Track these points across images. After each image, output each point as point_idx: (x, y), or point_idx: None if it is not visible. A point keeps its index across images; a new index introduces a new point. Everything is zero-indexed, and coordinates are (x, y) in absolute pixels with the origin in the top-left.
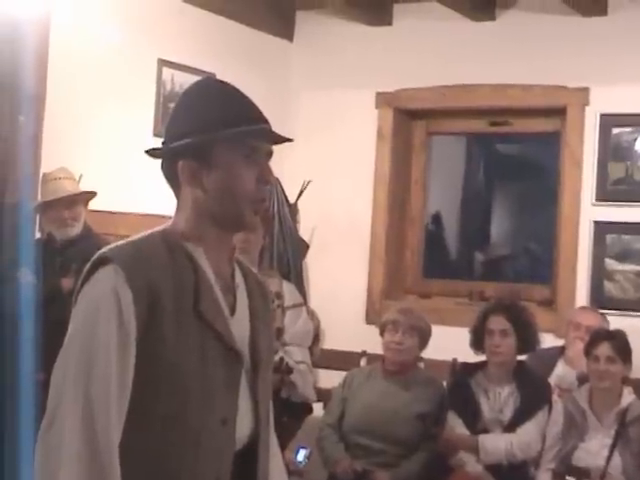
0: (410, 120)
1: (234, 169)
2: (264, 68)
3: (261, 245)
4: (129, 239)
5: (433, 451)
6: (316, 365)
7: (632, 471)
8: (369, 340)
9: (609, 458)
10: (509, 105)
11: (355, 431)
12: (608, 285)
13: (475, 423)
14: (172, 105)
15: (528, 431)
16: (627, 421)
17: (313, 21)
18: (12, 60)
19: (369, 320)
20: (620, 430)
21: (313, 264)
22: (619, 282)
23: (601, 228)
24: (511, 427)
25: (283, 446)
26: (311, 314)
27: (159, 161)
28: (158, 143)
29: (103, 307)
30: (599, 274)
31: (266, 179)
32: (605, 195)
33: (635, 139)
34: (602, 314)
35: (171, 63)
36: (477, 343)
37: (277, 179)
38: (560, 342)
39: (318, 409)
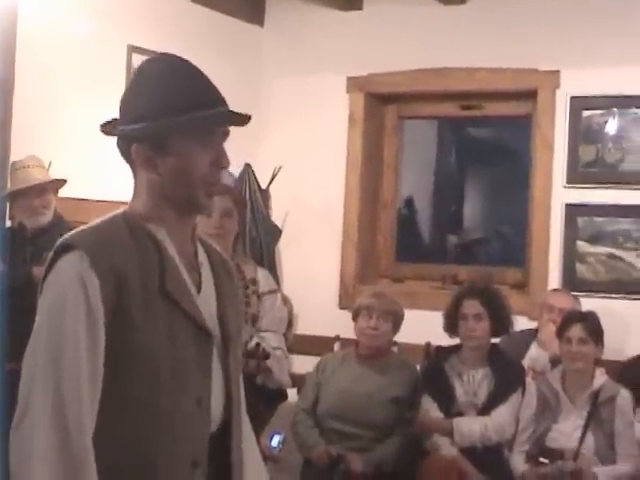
0: (381, 104)
1: (189, 154)
2: (235, 54)
3: (236, 231)
4: (90, 224)
5: (407, 435)
6: (290, 350)
7: (604, 451)
8: (342, 325)
9: (582, 439)
10: (480, 88)
11: (329, 416)
12: (580, 267)
13: (449, 406)
14: None
15: (502, 414)
16: (599, 402)
17: (284, 6)
18: None
19: (342, 305)
20: (592, 411)
21: (286, 249)
22: (591, 264)
23: (573, 211)
24: (485, 410)
25: (257, 432)
26: (284, 299)
27: None
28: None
29: (69, 294)
30: (571, 256)
31: (221, 163)
32: (576, 178)
33: (606, 122)
34: (574, 296)
35: (141, 49)
36: (451, 327)
37: (249, 165)
38: (533, 325)
39: (292, 395)
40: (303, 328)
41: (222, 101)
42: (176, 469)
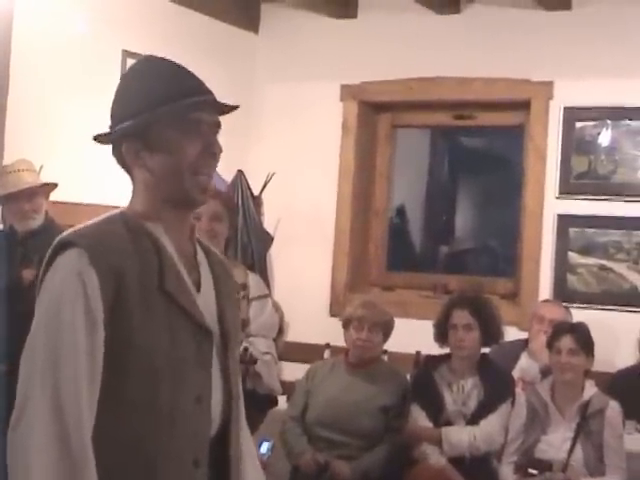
0: (375, 113)
1: (175, 146)
2: (229, 60)
3: (226, 235)
4: (89, 222)
5: (396, 444)
6: (280, 358)
7: (593, 463)
8: (333, 332)
9: (571, 450)
10: (473, 98)
11: (318, 424)
12: (571, 278)
13: (438, 416)
14: None
15: (491, 424)
16: (589, 414)
17: (278, 13)
18: None
19: (333, 312)
20: (582, 423)
21: (277, 256)
22: (582, 275)
23: (564, 221)
24: (474, 420)
25: None
26: (275, 306)
27: None
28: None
29: (68, 292)
30: (562, 267)
31: (211, 150)
32: (568, 189)
33: (598, 133)
34: (565, 307)
35: (135, 54)
36: (441, 337)
37: (241, 171)
38: (524, 335)
39: (282, 402)
40: (293, 335)
41: (206, 91)
42: (177, 468)
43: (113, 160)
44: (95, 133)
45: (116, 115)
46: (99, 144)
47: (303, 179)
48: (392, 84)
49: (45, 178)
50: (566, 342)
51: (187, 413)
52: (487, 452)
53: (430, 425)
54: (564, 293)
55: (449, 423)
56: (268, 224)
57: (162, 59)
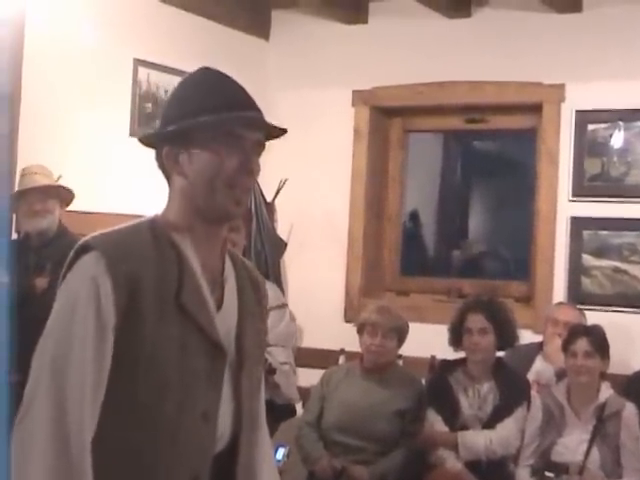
0: (387, 118)
1: (215, 156)
2: (240, 67)
3: (244, 245)
4: (115, 227)
5: (412, 448)
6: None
7: (610, 466)
8: (347, 338)
9: (587, 453)
10: (485, 102)
11: (334, 429)
12: (585, 281)
13: (454, 420)
14: (148, 105)
15: (507, 427)
16: (605, 416)
17: (289, 20)
18: None
19: (347, 318)
20: (598, 425)
21: (291, 262)
22: (596, 278)
23: (578, 224)
24: (490, 424)
25: None
26: (290, 316)
27: (136, 160)
28: (134, 143)
29: (81, 296)
30: (576, 270)
31: (248, 169)
32: (582, 191)
33: (611, 135)
34: (580, 310)
35: (147, 62)
36: (456, 341)
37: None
38: (538, 338)
39: (297, 407)
40: (308, 341)
41: (254, 108)
42: None
43: (126, 169)
44: (107, 141)
45: (163, 119)
46: (141, 144)
47: (316, 185)
48: (404, 89)
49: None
50: (581, 345)
51: (192, 429)
52: (503, 456)
53: (446, 429)
54: (578, 296)
55: (465, 427)
56: (281, 230)
57: (218, 72)
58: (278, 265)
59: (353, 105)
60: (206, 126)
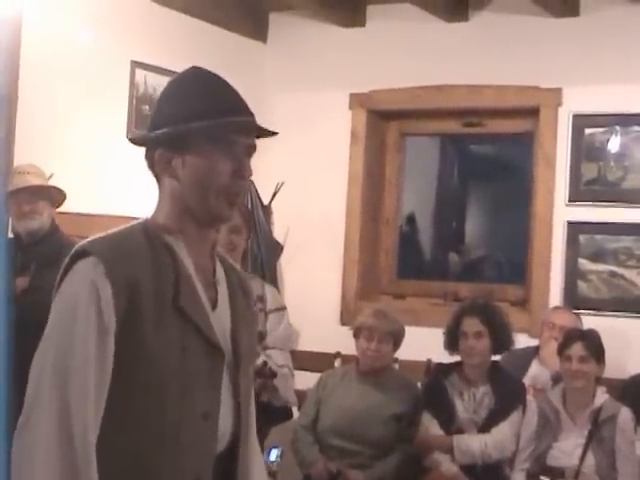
0: (384, 121)
1: (208, 161)
2: (238, 69)
3: (244, 247)
4: (109, 232)
5: (408, 452)
6: None
7: (605, 470)
8: (343, 341)
9: (583, 458)
10: (482, 106)
11: (330, 432)
12: (582, 285)
13: (450, 424)
14: (145, 107)
15: (503, 431)
16: (600, 421)
17: (286, 22)
18: None
19: (343, 321)
20: (593, 430)
21: (287, 265)
22: (593, 282)
23: (574, 228)
24: (486, 427)
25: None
26: None
27: (133, 163)
28: (131, 144)
29: (81, 300)
30: (573, 274)
31: (242, 173)
32: (578, 195)
33: (608, 139)
34: (576, 314)
35: (144, 64)
36: (451, 344)
37: (251, 180)
38: (534, 342)
39: (295, 411)
40: (304, 344)
41: (247, 111)
42: None
43: (123, 171)
44: (104, 143)
45: (155, 119)
46: (132, 144)
47: (312, 188)
48: (401, 92)
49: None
50: (577, 349)
51: (193, 430)
52: (499, 460)
53: (441, 433)
54: (574, 300)
55: (460, 431)
56: (278, 233)
57: (209, 72)
58: (274, 268)
59: (350, 108)
60: (200, 132)
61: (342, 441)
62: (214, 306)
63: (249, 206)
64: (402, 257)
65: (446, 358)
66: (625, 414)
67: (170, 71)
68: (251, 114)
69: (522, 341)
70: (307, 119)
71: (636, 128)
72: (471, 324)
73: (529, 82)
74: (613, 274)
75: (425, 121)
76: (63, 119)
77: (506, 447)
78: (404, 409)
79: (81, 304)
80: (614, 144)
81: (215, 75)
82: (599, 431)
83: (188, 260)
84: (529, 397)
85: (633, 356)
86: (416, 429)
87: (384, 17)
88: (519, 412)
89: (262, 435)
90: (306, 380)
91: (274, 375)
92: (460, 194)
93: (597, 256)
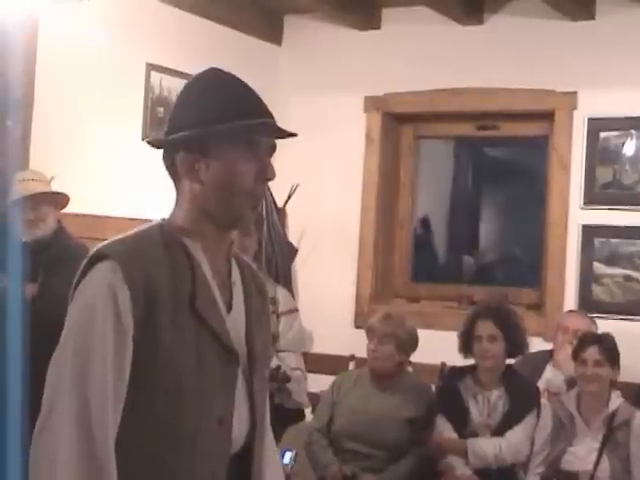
0: (398, 124)
1: (232, 164)
2: (252, 72)
3: (255, 250)
4: (126, 234)
5: (421, 455)
6: None
7: (620, 475)
8: (357, 344)
9: (597, 462)
10: (497, 109)
11: (344, 435)
12: (596, 289)
13: (464, 427)
14: (160, 109)
15: (517, 435)
16: (615, 425)
17: (301, 25)
18: None
19: (358, 324)
20: (608, 434)
21: (302, 268)
22: (607, 286)
23: (589, 232)
24: (500, 431)
25: None
26: None
27: (148, 165)
28: (147, 147)
29: (99, 304)
30: (587, 278)
31: (266, 175)
32: (593, 199)
33: (623, 143)
34: (590, 318)
35: (159, 67)
36: (465, 348)
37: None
38: (549, 346)
39: (308, 413)
40: (318, 347)
41: (267, 114)
42: None
43: (138, 173)
44: (119, 145)
45: (174, 121)
46: (150, 146)
47: (327, 191)
48: (415, 95)
49: (67, 190)
50: (592, 353)
51: (208, 434)
52: (513, 463)
53: (455, 436)
54: (589, 303)
55: (474, 434)
56: (292, 236)
57: (228, 74)
58: (289, 270)
59: (365, 111)
60: (222, 134)
61: (356, 444)
62: (229, 308)
63: (263, 208)
64: (416, 260)
65: (460, 361)
66: None
67: (185, 73)
68: (271, 115)
69: (536, 345)
70: (322, 122)
71: None
72: (485, 327)
73: (544, 85)
74: (628, 278)
75: (440, 124)
76: (78, 121)
77: (520, 451)
78: (418, 412)
79: (99, 306)
80: (629, 148)
81: (234, 76)
82: (614, 435)
83: (205, 263)
84: (543, 401)
85: None
86: (430, 432)
87: (399, 20)
88: (533, 416)
89: (275, 437)
90: (320, 383)
91: (288, 379)
92: (474, 197)
93: (612, 260)
